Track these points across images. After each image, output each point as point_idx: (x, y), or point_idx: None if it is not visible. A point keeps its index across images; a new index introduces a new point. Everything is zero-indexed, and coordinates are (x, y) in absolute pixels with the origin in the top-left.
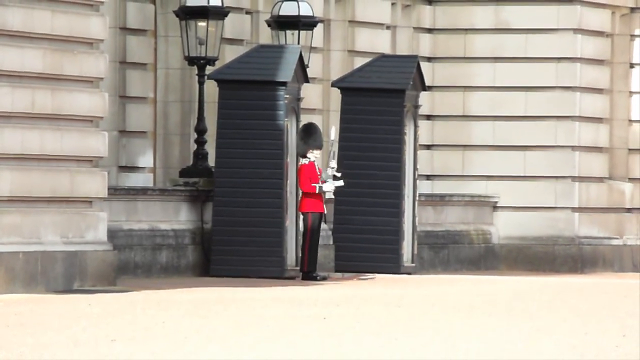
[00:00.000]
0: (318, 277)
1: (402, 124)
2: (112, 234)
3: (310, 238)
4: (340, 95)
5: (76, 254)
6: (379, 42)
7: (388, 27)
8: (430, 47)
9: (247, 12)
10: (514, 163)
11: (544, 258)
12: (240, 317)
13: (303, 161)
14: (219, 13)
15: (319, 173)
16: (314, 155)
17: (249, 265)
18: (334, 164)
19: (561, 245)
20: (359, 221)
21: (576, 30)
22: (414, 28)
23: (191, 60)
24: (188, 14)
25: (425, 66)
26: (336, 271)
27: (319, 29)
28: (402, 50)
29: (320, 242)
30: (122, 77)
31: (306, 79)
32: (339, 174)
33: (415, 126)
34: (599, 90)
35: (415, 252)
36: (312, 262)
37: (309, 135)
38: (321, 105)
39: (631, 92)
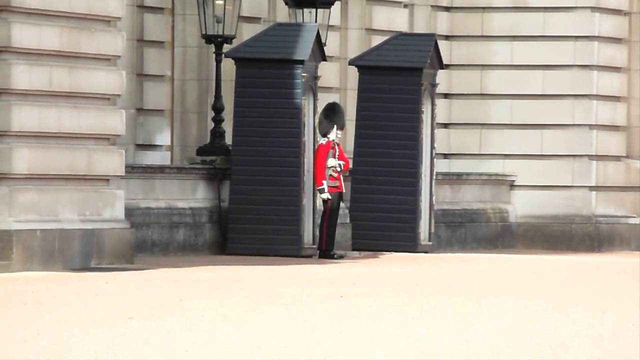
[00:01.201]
0: (335, 256)
1: (420, 103)
2: (130, 212)
3: (328, 217)
4: (357, 74)
5: (93, 232)
6: (396, 21)
7: (406, 6)
8: (448, 25)
9: None
10: (531, 142)
11: (561, 237)
12: (257, 296)
13: (321, 141)
14: None
15: (335, 153)
16: (334, 135)
17: (266, 244)
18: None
19: (578, 224)
20: (376, 200)
21: (594, 9)
22: (431, 6)
23: (208, 39)
24: None
25: (443, 44)
26: (353, 250)
27: (336, 7)
28: (420, 28)
29: (337, 221)
30: (140, 55)
31: (323, 58)
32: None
33: (433, 105)
34: (616, 69)
35: (433, 230)
36: (330, 241)
37: (334, 114)
38: (338, 83)
39: None
